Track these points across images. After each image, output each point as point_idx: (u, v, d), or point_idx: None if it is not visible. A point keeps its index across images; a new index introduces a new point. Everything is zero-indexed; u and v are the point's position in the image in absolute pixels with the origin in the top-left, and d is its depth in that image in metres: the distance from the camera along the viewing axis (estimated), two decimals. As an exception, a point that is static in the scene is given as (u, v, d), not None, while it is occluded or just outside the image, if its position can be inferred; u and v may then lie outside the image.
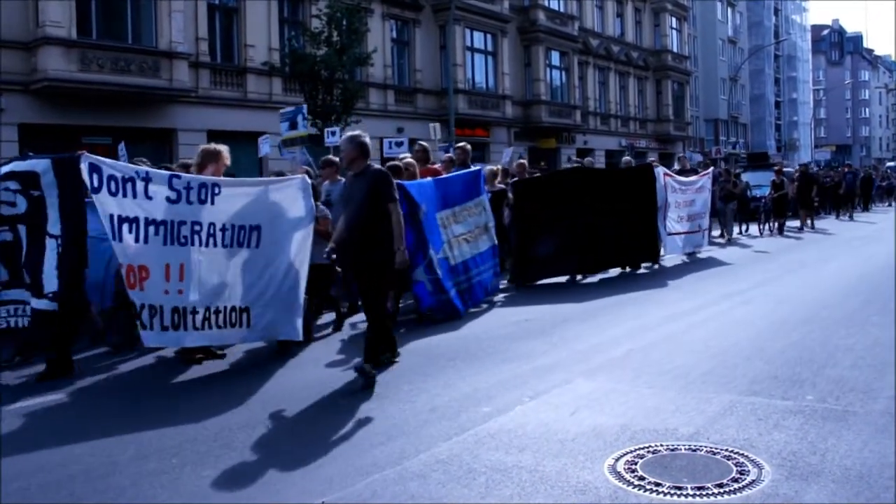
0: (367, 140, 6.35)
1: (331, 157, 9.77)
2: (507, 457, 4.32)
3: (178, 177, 6.66)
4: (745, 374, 5.90)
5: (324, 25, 20.28)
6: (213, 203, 6.66)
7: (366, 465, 4.27)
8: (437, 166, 10.97)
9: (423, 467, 4.21)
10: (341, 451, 4.55)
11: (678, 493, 3.77)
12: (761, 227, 20.59)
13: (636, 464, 4.12)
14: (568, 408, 5.21)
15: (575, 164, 15.63)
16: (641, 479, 3.92)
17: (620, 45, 42.55)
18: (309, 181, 7.45)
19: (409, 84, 28.87)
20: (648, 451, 4.30)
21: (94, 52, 18.27)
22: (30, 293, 6.50)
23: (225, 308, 6.75)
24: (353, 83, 21.43)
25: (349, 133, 6.56)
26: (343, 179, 8.27)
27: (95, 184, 6.18)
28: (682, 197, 14.16)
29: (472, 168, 10.89)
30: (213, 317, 6.67)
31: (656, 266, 13.19)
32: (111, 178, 6.23)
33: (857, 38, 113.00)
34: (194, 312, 6.55)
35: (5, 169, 6.58)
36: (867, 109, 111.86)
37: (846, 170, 28.84)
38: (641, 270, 12.87)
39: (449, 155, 11.96)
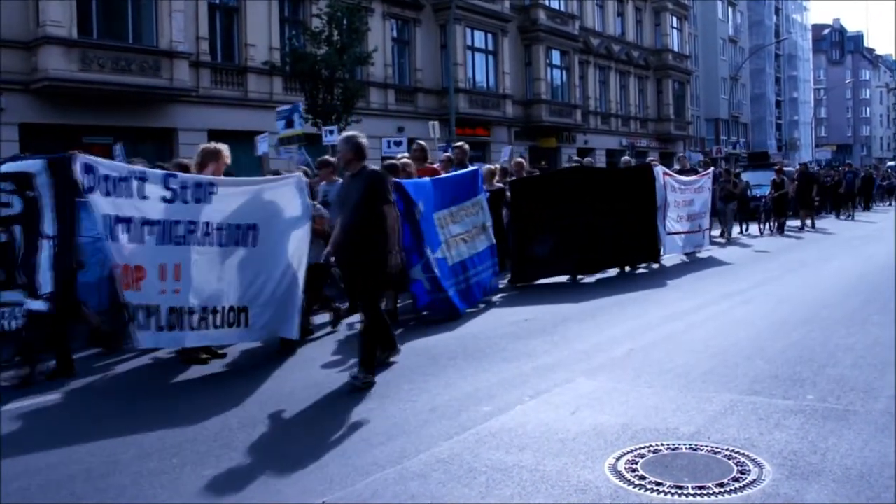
0: (364, 141, 6.33)
1: (328, 157, 9.74)
2: (508, 456, 4.31)
3: (174, 176, 6.63)
4: (745, 373, 5.90)
5: (324, 25, 20.26)
6: (209, 202, 6.63)
7: (366, 464, 4.27)
8: (435, 166, 10.96)
9: (424, 467, 4.21)
10: (341, 450, 4.55)
11: (679, 492, 3.77)
12: (761, 226, 20.58)
13: (637, 463, 4.12)
14: (569, 407, 5.21)
15: (574, 164, 15.60)
16: (642, 478, 3.92)
17: (621, 44, 42.53)
18: (305, 179, 7.43)
19: (409, 83, 28.86)
20: (649, 451, 4.30)
21: (95, 52, 18.26)
22: (25, 294, 6.47)
23: (223, 308, 6.73)
24: (354, 82, 21.41)
25: (345, 133, 6.53)
26: (339, 180, 8.26)
27: (90, 184, 6.15)
28: (682, 196, 14.15)
29: (470, 168, 10.86)
30: (210, 317, 6.65)
31: (656, 266, 13.18)
32: (105, 177, 6.20)
33: (858, 38, 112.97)
34: (191, 312, 6.53)
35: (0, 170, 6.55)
36: (868, 109, 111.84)
37: (846, 169, 28.82)
38: (641, 270, 12.87)
39: (447, 154, 11.95)
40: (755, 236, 19.41)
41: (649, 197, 12.95)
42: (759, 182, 22.96)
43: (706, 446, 4.35)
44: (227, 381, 6.49)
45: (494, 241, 10.19)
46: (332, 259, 6.54)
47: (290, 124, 15.41)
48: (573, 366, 6.39)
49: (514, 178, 12.52)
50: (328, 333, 8.19)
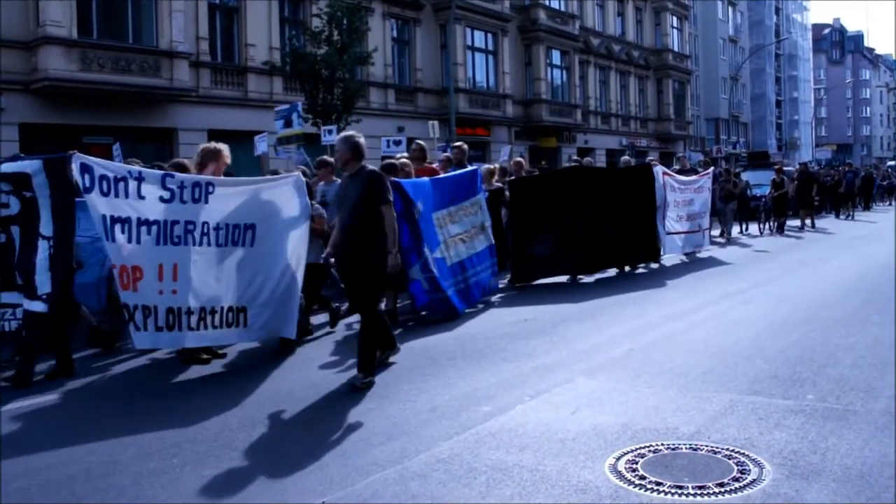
0: (362, 140, 6.29)
1: (326, 157, 9.71)
2: (508, 456, 4.31)
3: (172, 176, 6.60)
4: (745, 373, 5.90)
5: (324, 25, 20.27)
6: (206, 202, 6.60)
7: (366, 464, 4.27)
8: (434, 166, 10.95)
9: (424, 467, 4.21)
10: (341, 450, 4.55)
11: (679, 492, 3.77)
12: (761, 226, 20.58)
13: (637, 463, 4.12)
14: (569, 407, 5.21)
15: (573, 164, 15.59)
16: (642, 478, 3.92)
17: (621, 44, 42.54)
18: (303, 179, 7.40)
19: (409, 83, 28.87)
20: (649, 451, 4.30)
21: (95, 52, 18.27)
22: (23, 295, 6.45)
23: (221, 308, 6.71)
24: (354, 82, 21.42)
25: (343, 133, 6.51)
26: (338, 180, 8.24)
27: (87, 184, 6.11)
28: (681, 196, 14.12)
29: (469, 168, 10.84)
30: (208, 317, 6.63)
31: (656, 266, 13.18)
32: (103, 178, 6.17)
33: (858, 37, 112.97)
34: (189, 313, 6.51)
35: None
36: (868, 108, 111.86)
37: (846, 169, 28.81)
38: (640, 270, 12.86)
39: (446, 154, 11.93)
40: (755, 236, 19.40)
41: (649, 197, 12.94)
42: (758, 182, 22.97)
43: (706, 446, 4.35)
44: (226, 382, 6.49)
45: (493, 241, 10.17)
46: (332, 260, 6.54)
47: (288, 124, 15.39)
48: (573, 366, 6.39)
49: (513, 177, 12.51)
50: (326, 333, 8.18)
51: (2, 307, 6.55)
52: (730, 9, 61.42)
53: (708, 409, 5.04)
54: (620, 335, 7.55)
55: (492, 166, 12.45)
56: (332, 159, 9.00)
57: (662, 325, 7.99)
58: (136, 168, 6.66)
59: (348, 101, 20.55)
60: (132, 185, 6.28)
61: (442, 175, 10.03)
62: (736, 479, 3.86)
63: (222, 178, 7.06)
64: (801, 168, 23.43)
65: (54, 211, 6.47)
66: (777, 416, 4.82)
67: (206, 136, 18.85)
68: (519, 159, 14.51)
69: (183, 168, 7.85)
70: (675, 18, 47.77)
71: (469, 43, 30.29)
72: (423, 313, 8.85)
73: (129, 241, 6.23)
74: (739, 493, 3.72)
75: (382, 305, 8.73)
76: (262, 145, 15.56)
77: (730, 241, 17.61)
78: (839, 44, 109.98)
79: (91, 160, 6.23)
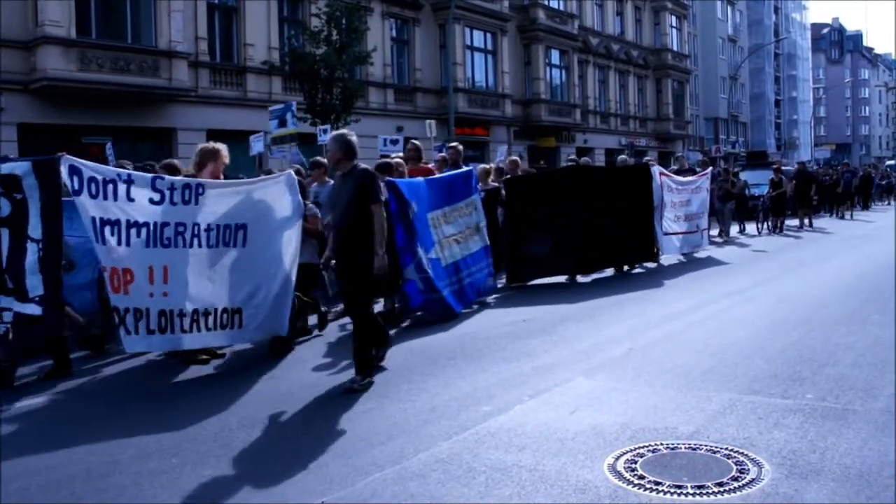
0: (354, 139, 6.24)
1: (319, 158, 9.64)
2: (507, 456, 4.32)
3: (161, 178, 6.57)
4: (745, 372, 5.90)
5: (323, 24, 20.27)
6: (196, 203, 6.56)
7: (365, 464, 4.27)
8: (430, 166, 10.92)
9: (423, 466, 4.21)
10: (341, 450, 4.55)
11: (678, 491, 3.77)
12: (759, 225, 20.59)
13: (636, 463, 4.12)
14: (568, 407, 5.21)
15: (570, 163, 15.54)
16: (641, 477, 3.92)
17: (620, 43, 42.55)
18: (295, 177, 7.33)
19: (408, 83, 28.87)
20: (648, 450, 4.30)
21: (94, 52, 18.26)
22: (13, 298, 6.36)
23: (216, 310, 6.66)
24: (353, 82, 21.42)
25: (335, 132, 6.45)
26: (331, 181, 8.20)
27: (76, 186, 6.07)
28: (678, 197, 14.05)
29: (464, 168, 10.80)
30: (202, 319, 6.58)
31: (654, 266, 13.18)
32: (92, 180, 6.12)
33: (857, 37, 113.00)
34: (182, 315, 6.45)
35: None
36: (867, 108, 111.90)
37: (844, 169, 28.80)
38: (638, 270, 12.86)
39: (442, 154, 11.91)
40: (753, 236, 19.41)
41: (647, 196, 12.92)
42: (757, 181, 22.97)
43: (705, 446, 4.35)
44: (225, 382, 6.48)
45: (488, 242, 10.10)
46: (333, 262, 6.45)
47: (282, 124, 15.38)
48: (572, 365, 6.39)
49: (508, 176, 12.46)
50: (315, 336, 8.09)
51: None
52: (729, 8, 61.44)
53: (707, 408, 5.04)
54: (620, 335, 7.56)
55: (487, 166, 12.40)
56: (325, 160, 8.96)
57: (662, 325, 7.99)
58: (125, 171, 6.58)
59: (347, 100, 20.55)
60: (121, 187, 6.23)
61: (437, 175, 10.00)
62: (735, 479, 3.86)
63: (213, 181, 6.94)
64: (799, 167, 23.42)
65: (43, 213, 6.39)
66: (776, 415, 4.82)
67: (204, 136, 18.83)
68: (514, 158, 14.46)
69: (174, 169, 7.83)
70: (674, 18, 47.78)
71: (468, 43, 30.29)
72: (419, 313, 8.83)
73: (119, 243, 6.18)
74: (738, 493, 3.72)
75: (380, 307, 8.75)
76: (257, 145, 15.57)
77: (728, 241, 17.61)
78: (838, 43, 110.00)
79: (80, 162, 6.17)
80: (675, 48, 47.59)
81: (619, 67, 42.50)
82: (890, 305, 8.26)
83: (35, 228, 6.41)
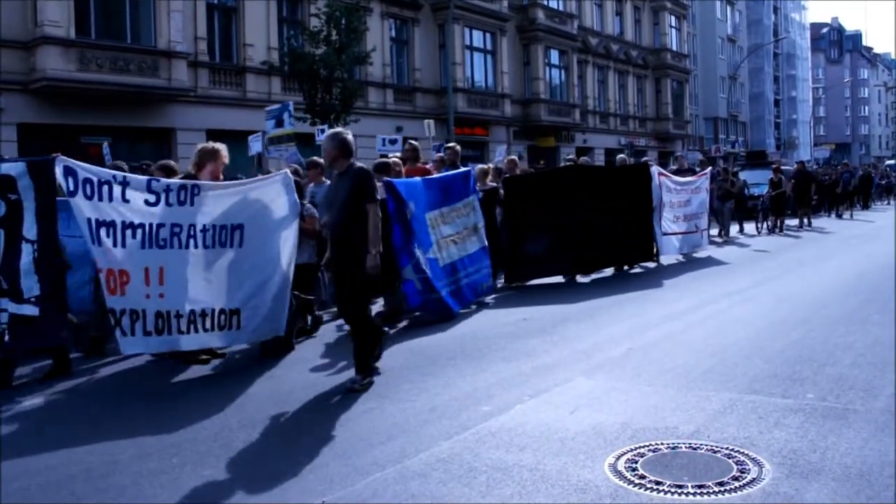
0: (350, 138, 6.18)
1: (316, 158, 9.57)
2: (508, 455, 4.31)
3: (157, 180, 6.55)
4: (745, 372, 5.90)
5: (323, 24, 20.28)
6: (192, 204, 6.52)
7: (366, 464, 4.27)
8: (428, 166, 10.90)
9: (424, 466, 4.21)
10: (341, 450, 4.55)
11: (679, 491, 3.77)
12: (759, 225, 20.59)
13: (637, 462, 4.12)
14: (568, 406, 5.21)
15: (568, 162, 15.52)
16: (642, 477, 3.92)
17: (619, 43, 42.56)
18: (291, 177, 7.29)
19: (408, 83, 28.88)
20: (649, 450, 4.30)
21: (93, 52, 18.27)
22: (9, 300, 6.31)
23: (213, 311, 6.63)
24: (352, 82, 21.43)
25: (331, 131, 6.40)
26: (327, 182, 8.17)
27: (71, 187, 6.04)
28: (677, 197, 13.99)
29: (462, 168, 10.77)
30: (199, 320, 6.54)
31: (654, 265, 13.17)
32: (87, 181, 6.10)
33: (857, 36, 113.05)
34: (179, 316, 6.42)
35: None
36: (866, 107, 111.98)
37: (843, 169, 28.80)
38: (638, 270, 12.85)
39: (440, 155, 11.89)
40: (752, 235, 19.41)
41: (646, 196, 12.90)
42: (756, 181, 22.97)
43: (706, 445, 4.35)
44: (225, 382, 6.48)
45: (487, 242, 10.06)
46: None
47: (279, 124, 15.33)
48: (572, 365, 6.39)
49: (506, 175, 12.41)
50: (310, 337, 8.04)
51: None
52: (728, 8, 61.47)
53: (707, 408, 5.04)
54: (620, 335, 7.55)
55: (485, 166, 12.36)
56: (322, 160, 8.92)
57: (661, 325, 7.99)
58: (120, 173, 6.54)
59: (347, 100, 20.56)
60: (116, 188, 6.21)
61: (434, 175, 9.98)
62: (736, 479, 3.86)
63: (209, 182, 6.88)
64: (798, 167, 23.42)
65: (39, 213, 6.36)
66: (777, 415, 4.82)
67: (204, 136, 18.85)
68: (513, 157, 14.43)
69: (170, 170, 7.80)
70: (673, 18, 47.81)
71: (467, 42, 30.30)
72: (417, 314, 8.82)
73: (115, 244, 6.15)
74: (739, 493, 3.72)
75: (379, 307, 8.73)
76: (256, 145, 15.56)
77: (728, 241, 17.61)
78: (837, 43, 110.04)
79: (75, 163, 6.15)
80: (674, 48, 47.62)
81: (619, 67, 42.52)
82: (890, 305, 8.26)
83: (30, 229, 6.37)
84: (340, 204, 6.01)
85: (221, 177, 7.27)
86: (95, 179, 6.17)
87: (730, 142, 58.46)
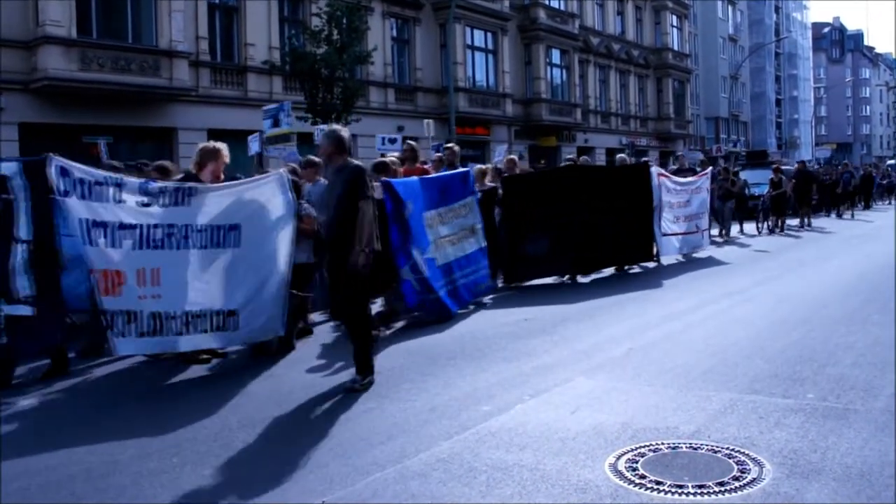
0: (346, 134, 6.14)
1: (312, 157, 9.53)
2: (508, 455, 4.31)
3: (151, 183, 6.52)
4: (745, 372, 5.90)
5: (324, 24, 20.28)
6: (187, 205, 6.49)
7: (366, 464, 4.27)
8: (426, 166, 10.88)
9: (424, 466, 4.20)
10: (341, 450, 4.54)
11: (679, 491, 3.76)
12: (759, 225, 20.57)
13: (637, 462, 4.12)
14: (568, 406, 5.20)
15: (567, 162, 15.50)
16: (642, 477, 3.92)
17: (621, 43, 42.54)
18: (287, 176, 7.23)
19: (409, 82, 28.87)
20: (649, 450, 4.29)
21: (95, 52, 18.28)
22: (2, 300, 6.28)
23: (209, 312, 6.57)
24: (354, 82, 21.42)
25: (326, 128, 6.36)
26: (323, 180, 8.14)
27: (65, 187, 6.02)
28: (677, 198, 13.90)
29: (461, 169, 10.73)
30: (194, 321, 6.49)
31: (655, 265, 13.16)
32: (81, 181, 6.08)
33: (858, 36, 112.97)
34: (173, 317, 6.38)
35: None
36: (868, 107, 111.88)
37: (843, 169, 28.75)
38: (638, 270, 12.83)
39: (438, 155, 11.88)
40: (753, 235, 19.39)
41: (646, 196, 12.88)
42: (757, 181, 22.94)
43: (706, 445, 4.35)
44: (225, 382, 6.46)
45: (485, 243, 10.03)
46: None
47: (276, 123, 15.34)
48: (573, 365, 6.38)
49: (505, 174, 12.37)
50: (309, 337, 8.00)
51: None
52: (729, 7, 61.42)
53: (708, 408, 5.04)
54: (620, 335, 7.55)
55: (484, 167, 12.32)
56: (318, 159, 8.88)
57: (662, 325, 7.98)
58: (114, 175, 6.50)
59: (348, 100, 20.56)
60: (111, 190, 6.18)
61: (433, 175, 9.95)
62: (736, 479, 3.86)
63: (203, 184, 6.84)
64: (799, 167, 23.40)
65: (33, 213, 6.34)
66: (777, 415, 4.82)
67: (205, 136, 18.85)
68: (512, 157, 14.39)
69: (166, 170, 7.78)
70: (674, 17, 47.77)
71: (469, 42, 30.30)
72: (416, 314, 8.80)
73: (109, 245, 6.11)
74: (739, 493, 3.72)
75: (377, 307, 8.71)
76: (254, 145, 15.57)
77: (728, 241, 17.60)
78: (839, 42, 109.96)
79: (69, 164, 6.12)
80: (675, 48, 47.58)
81: (620, 67, 42.50)
82: (890, 305, 8.25)
83: (22, 229, 6.35)
84: (336, 201, 5.97)
85: (222, 176, 7.25)
86: (89, 180, 6.14)
87: (731, 141, 58.43)
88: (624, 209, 12.27)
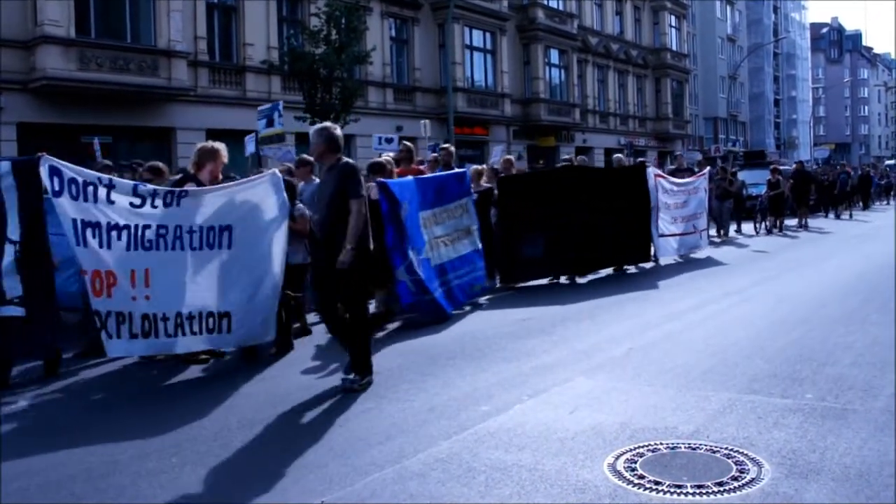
0: (338, 132, 6.08)
1: (305, 156, 9.49)
2: (507, 455, 4.31)
3: (143, 185, 6.51)
4: (744, 372, 5.90)
5: (323, 24, 20.28)
6: (178, 206, 6.44)
7: (365, 464, 4.27)
8: (422, 167, 10.88)
9: (423, 466, 4.21)
10: (340, 450, 4.54)
11: (678, 491, 3.77)
12: (757, 225, 20.59)
13: (636, 462, 4.12)
14: (567, 406, 5.21)
15: (564, 163, 15.50)
16: (641, 477, 3.92)
17: (619, 43, 42.56)
18: (280, 177, 7.15)
19: (408, 82, 28.88)
20: (648, 450, 4.30)
21: (93, 51, 18.27)
22: None
23: (201, 314, 6.52)
24: (352, 81, 21.43)
25: (318, 125, 6.28)
26: (317, 180, 8.11)
27: (56, 187, 5.99)
28: (674, 199, 13.87)
29: (457, 169, 10.71)
30: (186, 323, 6.45)
31: (654, 265, 13.17)
32: (72, 181, 6.05)
33: (857, 36, 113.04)
34: (165, 319, 6.35)
35: None
36: (866, 107, 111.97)
37: (840, 170, 28.76)
38: (633, 270, 12.83)
39: (434, 155, 11.86)
40: (751, 235, 19.41)
41: (643, 196, 12.87)
42: (755, 181, 22.96)
43: (705, 445, 4.35)
44: (224, 382, 6.45)
45: (480, 245, 10.01)
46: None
47: (270, 123, 15.33)
48: (572, 365, 6.39)
49: (502, 174, 12.36)
50: (299, 337, 7.96)
51: None
52: (728, 8, 61.46)
53: (707, 408, 5.04)
54: (619, 335, 7.56)
55: (479, 167, 12.32)
56: (311, 158, 8.82)
57: (661, 325, 7.99)
58: (106, 176, 6.47)
59: (347, 100, 20.57)
60: (102, 190, 6.15)
61: (428, 175, 9.93)
62: (735, 479, 3.86)
63: (196, 187, 6.80)
64: (797, 167, 23.42)
65: (23, 213, 6.32)
66: (776, 415, 4.82)
67: (204, 136, 18.83)
68: (508, 157, 14.39)
69: (158, 171, 7.76)
70: (673, 17, 47.81)
71: (467, 42, 30.31)
72: (412, 314, 8.79)
73: (101, 246, 6.09)
74: (738, 493, 3.72)
75: (372, 307, 8.70)
76: (250, 145, 15.57)
77: (726, 241, 17.62)
78: (837, 43, 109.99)
79: (61, 164, 6.10)
80: (674, 48, 47.62)
81: (619, 67, 42.52)
82: (889, 305, 8.27)
83: (13, 229, 6.33)
84: (328, 200, 5.93)
85: (220, 176, 7.23)
86: (80, 180, 6.12)
87: (730, 142, 58.45)
88: (624, 209, 12.27)
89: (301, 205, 7.93)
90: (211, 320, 6.59)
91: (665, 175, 14.49)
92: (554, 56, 35.74)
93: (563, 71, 36.32)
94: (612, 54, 41.61)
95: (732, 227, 19.53)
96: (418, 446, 4.52)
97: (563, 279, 11.63)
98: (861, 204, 29.65)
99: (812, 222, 21.80)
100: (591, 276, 11.94)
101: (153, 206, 6.34)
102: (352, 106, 20.97)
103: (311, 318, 8.49)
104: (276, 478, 4.15)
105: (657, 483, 3.85)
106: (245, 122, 20.80)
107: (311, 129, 6.22)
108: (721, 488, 3.77)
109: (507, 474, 4.04)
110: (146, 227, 6.29)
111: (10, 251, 6.33)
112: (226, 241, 6.67)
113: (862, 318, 7.84)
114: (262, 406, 5.55)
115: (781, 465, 4.02)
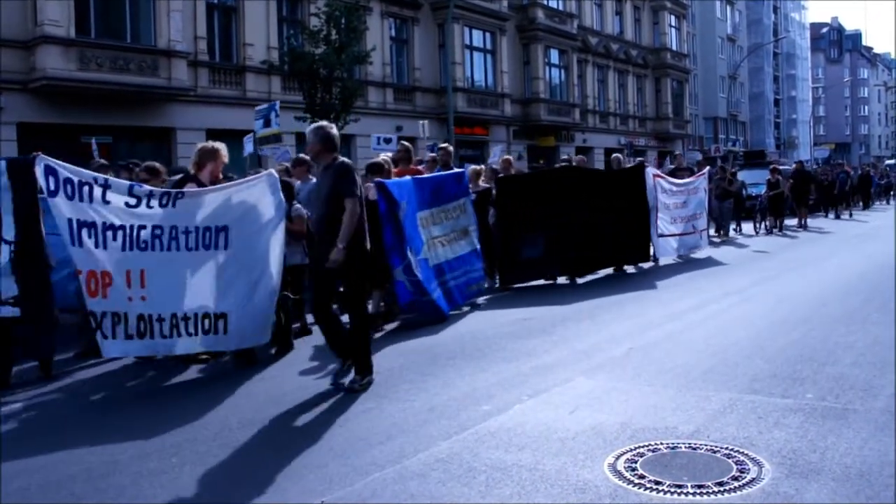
0: (334, 132, 6.05)
1: (302, 155, 9.47)
2: (507, 455, 4.31)
3: (139, 186, 6.49)
4: (745, 372, 5.90)
5: (322, 24, 20.27)
6: (174, 206, 6.41)
7: (365, 464, 4.27)
8: (420, 167, 10.88)
9: (423, 466, 4.20)
10: (340, 450, 4.54)
11: (678, 491, 3.76)
12: (757, 225, 20.58)
13: (636, 462, 4.12)
14: (568, 406, 5.21)
15: (563, 163, 15.50)
16: (641, 477, 3.92)
17: (619, 43, 42.56)
18: (277, 177, 7.12)
19: (408, 82, 28.87)
20: (648, 450, 4.29)
21: (93, 51, 18.26)
22: None
23: (196, 315, 6.49)
24: (352, 81, 21.42)
25: (314, 125, 6.26)
26: (314, 179, 8.10)
27: (52, 187, 5.97)
28: (673, 199, 13.86)
29: (455, 170, 10.69)
30: (182, 324, 6.42)
31: (653, 265, 13.16)
32: (67, 181, 6.03)
33: (856, 36, 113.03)
34: (160, 320, 6.32)
35: None
36: (866, 107, 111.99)
37: (839, 170, 28.74)
38: (632, 270, 12.82)
39: (432, 155, 11.86)
40: (751, 235, 19.41)
41: (643, 196, 12.85)
42: (755, 181, 22.96)
43: (705, 445, 4.35)
44: (223, 382, 6.45)
45: (478, 245, 10.00)
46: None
47: (267, 123, 15.32)
48: (572, 365, 6.39)
49: (500, 175, 12.34)
50: (298, 336, 7.94)
51: None
52: (728, 8, 61.46)
53: (707, 408, 5.04)
54: (620, 335, 7.55)
55: (478, 167, 12.31)
56: (308, 157, 8.79)
57: (662, 325, 7.99)
58: (102, 176, 6.45)
59: (346, 100, 20.56)
60: (97, 190, 6.13)
61: (426, 175, 9.92)
62: (735, 478, 3.86)
63: (192, 189, 6.76)
64: (797, 166, 23.42)
65: (17, 213, 6.31)
66: (776, 414, 4.82)
67: (204, 136, 18.83)
68: (507, 157, 14.36)
69: (156, 172, 7.74)
70: (673, 17, 47.79)
71: (467, 42, 30.29)
72: (411, 315, 8.78)
73: (97, 246, 6.07)
74: (739, 493, 3.72)
75: (369, 307, 8.69)
76: (248, 146, 15.57)
77: (726, 241, 17.62)
78: (837, 43, 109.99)
79: (56, 163, 6.08)
80: (674, 48, 47.61)
81: (619, 67, 42.52)
82: (889, 305, 8.27)
83: (7, 229, 6.32)
84: (324, 199, 5.92)
85: (221, 176, 7.23)
86: (76, 180, 6.09)
87: (730, 141, 58.45)
88: (623, 209, 12.27)
89: (298, 205, 7.90)
90: (207, 321, 6.55)
91: (664, 175, 14.47)
92: (554, 56, 35.74)
93: (563, 71, 36.31)
94: (612, 54, 41.61)
95: (732, 227, 19.53)
96: (419, 446, 4.52)
97: (562, 279, 11.62)
98: (861, 204, 29.63)
99: (812, 222, 21.81)
100: (590, 276, 11.94)
101: (149, 207, 6.32)
102: (352, 106, 20.96)
103: (311, 318, 8.49)
104: (276, 478, 4.15)
105: (657, 483, 3.84)
106: (245, 122, 20.74)
107: (307, 129, 6.20)
108: (721, 488, 3.77)
109: (508, 474, 4.04)
110: (142, 227, 6.27)
111: (5, 251, 6.33)
112: (222, 241, 6.64)
113: (862, 318, 7.84)
114: (262, 406, 5.55)
115: (782, 464, 4.02)
